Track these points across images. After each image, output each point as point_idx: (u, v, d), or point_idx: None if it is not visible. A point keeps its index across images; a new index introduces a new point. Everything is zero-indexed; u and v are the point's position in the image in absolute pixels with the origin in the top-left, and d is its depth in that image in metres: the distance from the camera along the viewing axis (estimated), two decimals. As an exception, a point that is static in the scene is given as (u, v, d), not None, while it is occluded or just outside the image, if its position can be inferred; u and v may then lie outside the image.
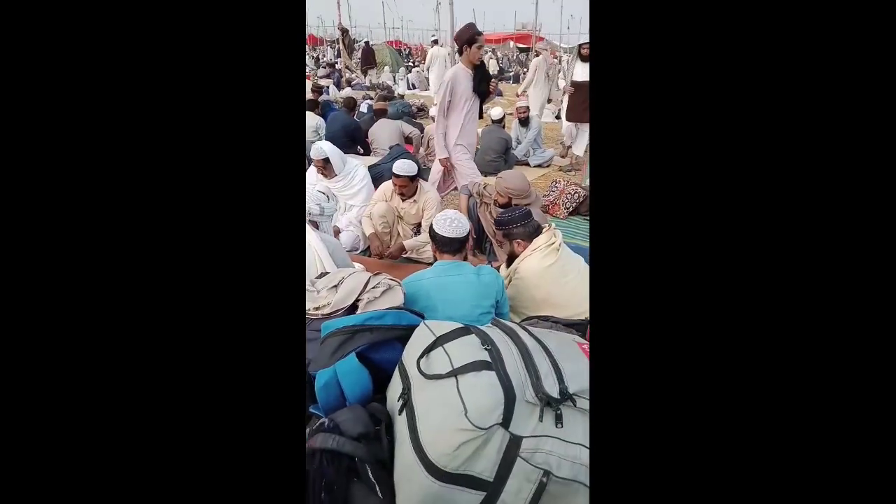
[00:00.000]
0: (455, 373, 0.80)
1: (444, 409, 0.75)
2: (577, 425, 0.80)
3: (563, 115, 4.45)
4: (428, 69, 8.41)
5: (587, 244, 2.85)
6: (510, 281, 1.76)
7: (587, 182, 3.67)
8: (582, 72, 4.08)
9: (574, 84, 4.11)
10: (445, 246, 1.47)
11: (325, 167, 2.55)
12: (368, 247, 2.45)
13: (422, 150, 4.27)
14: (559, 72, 5.52)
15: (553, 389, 0.78)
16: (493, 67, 13.21)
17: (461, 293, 1.37)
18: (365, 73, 10.27)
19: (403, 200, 2.41)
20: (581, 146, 4.31)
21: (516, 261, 1.75)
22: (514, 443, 0.73)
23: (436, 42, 9.49)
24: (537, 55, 6.10)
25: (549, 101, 6.01)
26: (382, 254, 2.36)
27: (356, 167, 2.70)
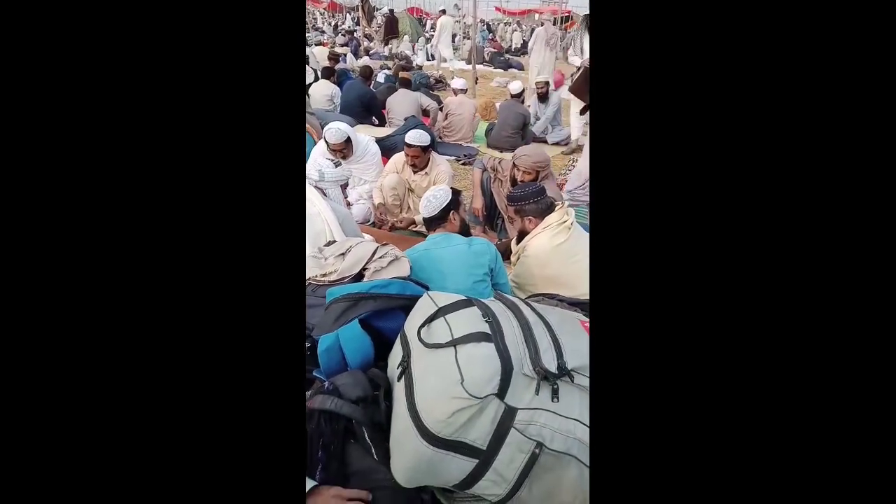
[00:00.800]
0: (454, 343, 0.80)
1: (441, 378, 0.75)
2: (574, 401, 0.80)
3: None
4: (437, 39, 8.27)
5: (601, 225, 2.81)
6: (518, 258, 1.74)
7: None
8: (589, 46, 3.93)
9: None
10: (429, 225, 1.58)
11: (346, 147, 2.39)
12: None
13: (439, 122, 4.19)
14: (570, 44, 5.32)
15: (551, 364, 0.78)
16: (516, 40, 12.80)
17: (453, 264, 1.39)
18: (387, 43, 10.05)
19: (415, 172, 2.39)
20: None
21: (526, 238, 1.73)
22: (509, 414, 0.74)
23: (444, 11, 9.27)
24: (541, 25, 5.97)
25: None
26: (393, 225, 2.36)
27: (368, 143, 2.66)
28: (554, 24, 6.46)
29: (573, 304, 1.40)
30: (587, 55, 3.89)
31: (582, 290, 1.57)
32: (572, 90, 3.91)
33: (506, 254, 1.95)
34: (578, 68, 3.71)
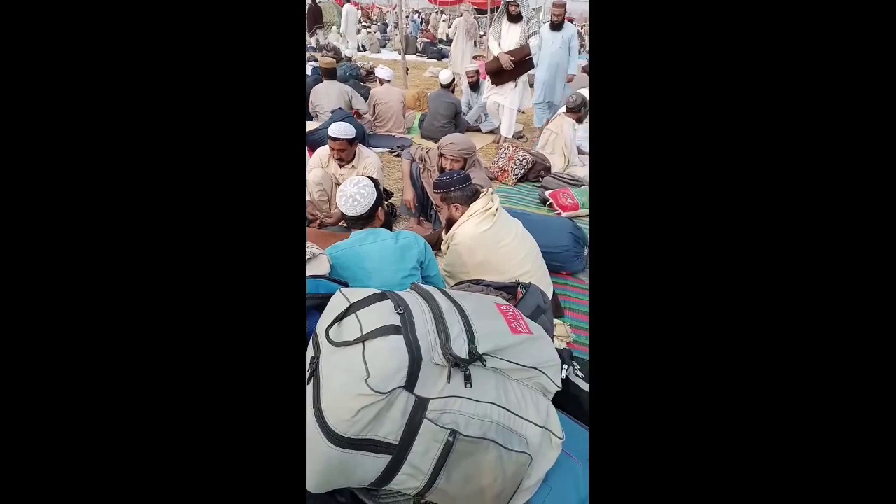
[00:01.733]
0: (363, 339, 0.77)
1: (346, 376, 0.72)
2: (489, 384, 0.81)
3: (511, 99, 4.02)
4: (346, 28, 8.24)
5: (536, 210, 2.87)
6: (448, 247, 1.74)
7: (537, 148, 3.67)
8: (508, 31, 3.82)
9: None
10: (354, 223, 1.47)
11: None
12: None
13: (368, 115, 4.08)
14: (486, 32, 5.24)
15: (462, 350, 0.77)
16: (441, 31, 12.76)
17: (379, 260, 1.35)
18: (313, 33, 9.64)
19: (341, 166, 2.31)
20: (507, 125, 4.09)
21: (454, 226, 1.73)
22: (420, 405, 0.73)
23: (349, 0, 9.28)
24: (461, 16, 6.03)
25: (475, 58, 6.00)
26: (321, 222, 2.27)
27: None
28: (477, 15, 6.49)
29: (500, 288, 1.42)
30: (508, 43, 3.80)
31: (510, 274, 1.60)
32: (487, 68, 3.91)
33: (438, 244, 1.94)
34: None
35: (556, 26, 3.97)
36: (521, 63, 3.77)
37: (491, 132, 4.43)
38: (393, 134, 4.10)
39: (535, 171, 3.39)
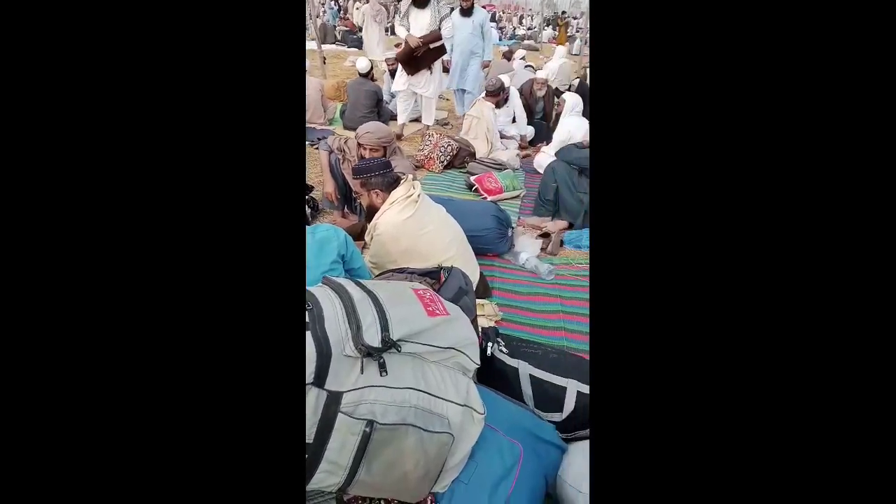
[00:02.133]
0: (268, 338, 0.73)
1: (249, 379, 0.68)
2: (406, 369, 0.80)
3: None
4: None
5: (464, 197, 2.90)
6: (371, 238, 1.71)
7: (461, 134, 3.70)
8: (417, 18, 3.54)
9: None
10: None
11: None
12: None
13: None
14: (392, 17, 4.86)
15: (374, 339, 0.76)
16: (357, 19, 12.38)
17: None
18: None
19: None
20: (428, 114, 4.03)
21: (375, 216, 1.69)
22: (334, 399, 0.71)
23: None
24: (366, 2, 5.88)
25: (396, 46, 5.89)
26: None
27: None
28: (391, 1, 6.30)
29: (423, 273, 1.42)
30: (417, 30, 3.59)
31: (435, 260, 1.60)
32: (398, 57, 3.73)
33: (363, 234, 1.90)
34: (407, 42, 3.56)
35: (466, 12, 3.93)
36: (433, 49, 3.64)
37: (414, 120, 4.39)
38: (313, 126, 3.93)
39: (461, 158, 3.42)
